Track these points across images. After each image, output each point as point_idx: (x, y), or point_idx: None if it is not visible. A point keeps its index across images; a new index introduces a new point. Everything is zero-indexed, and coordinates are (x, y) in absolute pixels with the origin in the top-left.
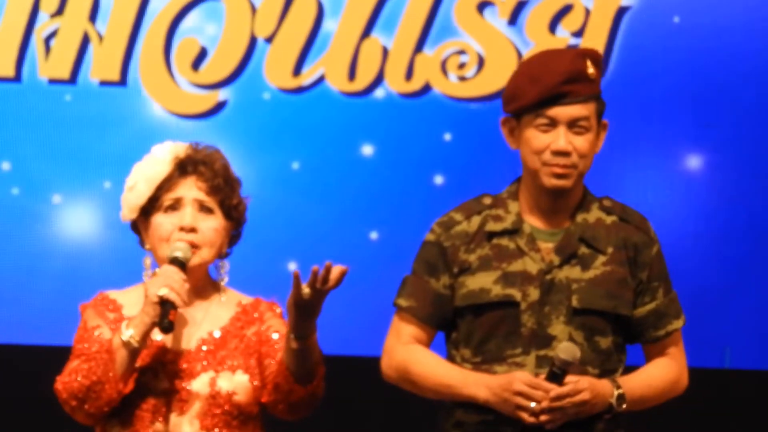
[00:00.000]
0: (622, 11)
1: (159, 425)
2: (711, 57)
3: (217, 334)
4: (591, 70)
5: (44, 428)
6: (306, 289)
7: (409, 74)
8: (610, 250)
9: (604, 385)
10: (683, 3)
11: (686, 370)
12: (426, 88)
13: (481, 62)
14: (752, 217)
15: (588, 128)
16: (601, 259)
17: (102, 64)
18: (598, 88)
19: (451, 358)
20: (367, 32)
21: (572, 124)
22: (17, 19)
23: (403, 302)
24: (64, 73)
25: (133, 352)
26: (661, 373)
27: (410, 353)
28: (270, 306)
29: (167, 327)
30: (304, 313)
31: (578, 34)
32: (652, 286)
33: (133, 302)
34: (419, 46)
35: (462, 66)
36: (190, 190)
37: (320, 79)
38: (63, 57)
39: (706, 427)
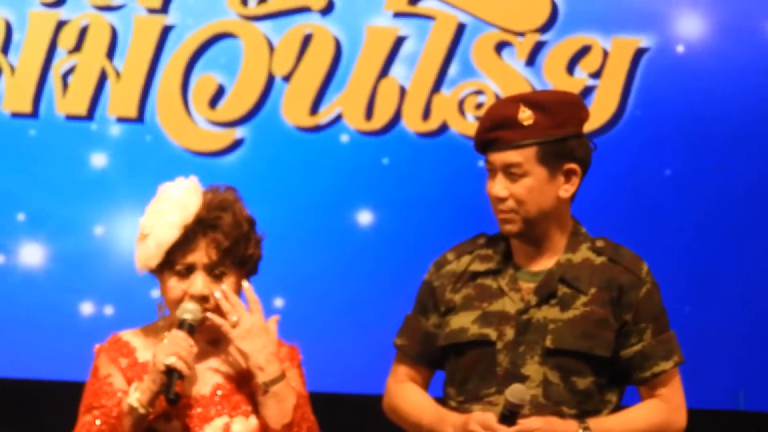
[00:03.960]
0: (640, 52)
1: None
2: (724, 99)
3: (231, 379)
4: (524, 114)
5: None
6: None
7: (426, 114)
8: (592, 290)
9: (566, 426)
10: (698, 44)
11: (682, 412)
12: (443, 128)
13: None
14: (766, 257)
15: (522, 174)
16: (582, 299)
17: (119, 101)
18: (538, 133)
19: (444, 397)
20: (384, 71)
21: (506, 170)
22: (35, 55)
23: (397, 341)
24: (82, 109)
25: (140, 418)
26: (644, 415)
27: (399, 392)
28: (290, 352)
29: (173, 400)
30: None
31: (596, 75)
32: (639, 328)
33: (146, 345)
34: (437, 86)
35: (479, 106)
36: (202, 256)
37: (337, 118)
38: (80, 93)
39: None
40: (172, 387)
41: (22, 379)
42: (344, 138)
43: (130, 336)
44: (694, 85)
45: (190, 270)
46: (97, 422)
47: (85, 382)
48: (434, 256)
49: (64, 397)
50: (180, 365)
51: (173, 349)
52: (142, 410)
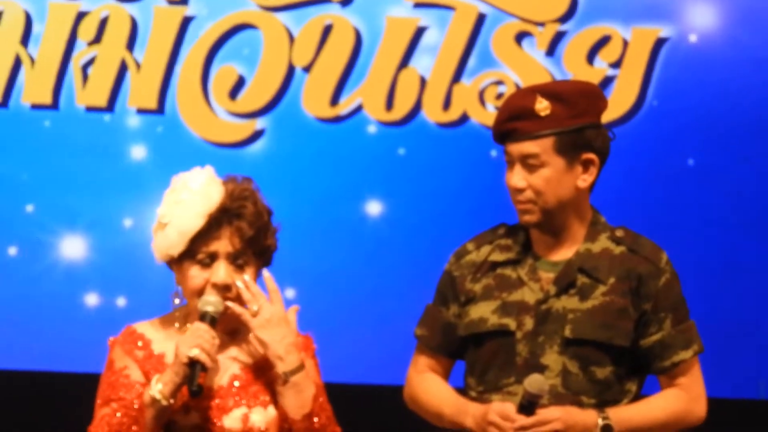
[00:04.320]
0: (660, 42)
1: None
2: (746, 89)
3: (249, 369)
4: (540, 105)
5: None
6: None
7: (446, 104)
8: (611, 280)
9: (585, 416)
10: (713, 33)
11: (701, 401)
12: (464, 118)
13: None
14: None
15: (540, 165)
16: (601, 289)
17: (139, 93)
18: (555, 123)
19: (465, 387)
20: (405, 62)
21: (524, 161)
22: (55, 47)
23: (417, 331)
24: (102, 101)
25: (162, 410)
26: (663, 404)
27: (420, 382)
28: (305, 342)
29: (196, 392)
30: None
31: (616, 65)
32: (658, 317)
33: (161, 337)
34: (457, 77)
35: (500, 96)
36: (225, 245)
37: (358, 109)
38: (100, 85)
39: None
40: (196, 379)
41: (52, 372)
42: (365, 129)
43: (145, 327)
44: (713, 75)
45: (212, 259)
46: (118, 414)
47: (100, 375)
48: (449, 247)
49: (81, 389)
50: (203, 357)
51: (196, 341)
52: (164, 402)
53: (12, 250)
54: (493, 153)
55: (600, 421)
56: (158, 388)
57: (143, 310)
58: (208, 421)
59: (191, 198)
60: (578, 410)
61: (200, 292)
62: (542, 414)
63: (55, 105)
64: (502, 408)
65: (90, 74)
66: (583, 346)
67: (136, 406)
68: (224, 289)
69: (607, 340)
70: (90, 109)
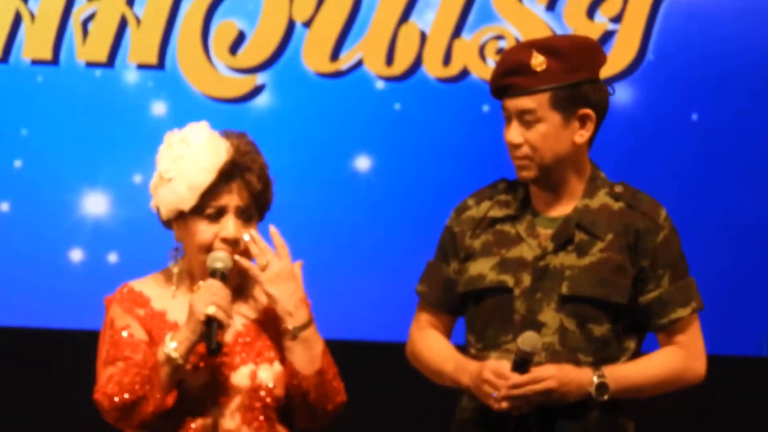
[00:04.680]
0: None
1: (201, 420)
2: (749, 43)
3: (253, 326)
4: (536, 60)
5: None
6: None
7: (447, 59)
8: (609, 236)
9: (580, 374)
10: None
11: (700, 359)
12: (464, 73)
13: None
14: None
15: (536, 120)
16: (599, 245)
17: (140, 48)
18: (551, 78)
19: (466, 344)
20: (405, 17)
21: (520, 117)
22: (55, 2)
23: (419, 287)
24: (102, 56)
25: (177, 369)
26: (661, 362)
27: (421, 339)
28: None
29: (216, 350)
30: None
31: (616, 20)
32: (656, 274)
33: (160, 295)
34: (457, 31)
35: (500, 51)
36: (234, 199)
37: (358, 64)
38: (100, 40)
39: (742, 415)
40: (215, 337)
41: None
42: (366, 84)
43: (142, 285)
44: (715, 28)
45: (220, 214)
46: (126, 379)
47: (99, 334)
48: (447, 202)
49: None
50: (221, 315)
51: (212, 298)
52: (180, 361)
53: (4, 206)
54: (485, 108)
55: (595, 379)
56: (173, 346)
57: (135, 267)
58: (216, 379)
59: (197, 153)
60: (573, 368)
61: (209, 248)
62: (536, 372)
63: (55, 60)
64: (496, 366)
65: (90, 29)
66: (580, 303)
67: (150, 365)
68: (233, 244)
69: (603, 297)
70: (90, 65)
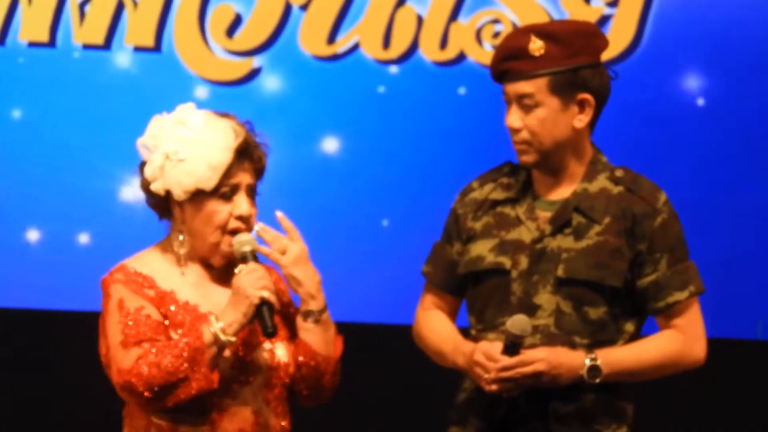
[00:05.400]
0: None
1: (227, 399)
2: (748, 27)
3: None
4: (534, 45)
5: None
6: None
7: (443, 43)
8: (606, 220)
9: (572, 357)
10: None
11: (699, 342)
12: (460, 57)
13: None
14: None
15: (535, 105)
16: (596, 228)
17: (136, 31)
18: (549, 63)
19: (469, 326)
20: (402, 0)
21: (519, 101)
22: None
23: (424, 268)
24: (99, 38)
25: (223, 349)
26: (658, 345)
27: (425, 319)
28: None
29: (272, 333)
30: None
31: (613, 4)
32: (654, 258)
33: (164, 274)
34: (454, 15)
35: (497, 35)
36: (246, 177)
37: (355, 47)
38: (97, 23)
39: (737, 398)
40: (271, 320)
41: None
42: (362, 67)
43: (141, 265)
44: (711, 10)
45: (233, 192)
46: (166, 354)
47: (106, 317)
48: (446, 185)
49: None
50: (274, 299)
51: (261, 282)
52: (232, 339)
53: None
54: (461, 90)
55: (587, 362)
56: (220, 326)
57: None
58: (241, 358)
59: (206, 133)
60: (566, 351)
61: (225, 226)
62: (526, 354)
63: (52, 43)
64: (487, 348)
65: (87, 12)
66: (576, 286)
67: (196, 345)
68: (246, 221)
69: (599, 280)
70: (87, 47)
